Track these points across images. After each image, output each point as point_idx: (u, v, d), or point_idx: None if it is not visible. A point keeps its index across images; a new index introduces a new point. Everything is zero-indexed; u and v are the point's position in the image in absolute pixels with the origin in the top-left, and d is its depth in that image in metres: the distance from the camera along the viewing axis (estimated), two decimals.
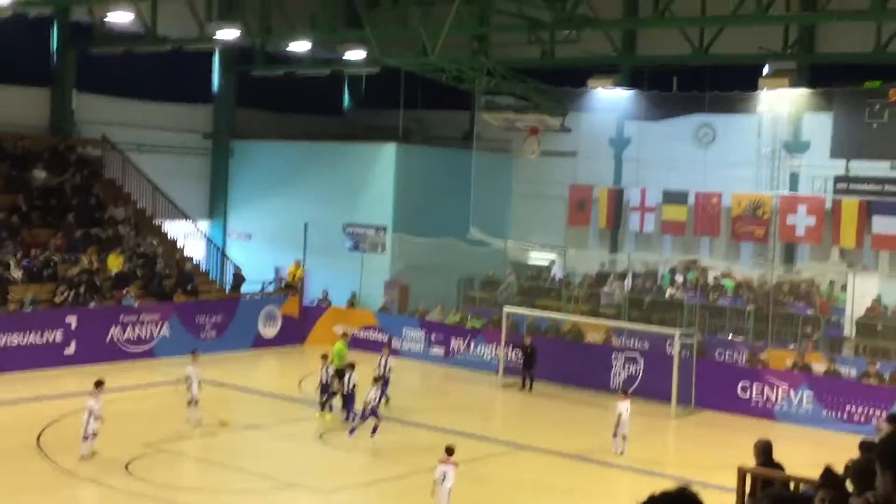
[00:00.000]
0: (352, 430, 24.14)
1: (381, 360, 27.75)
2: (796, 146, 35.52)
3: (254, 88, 42.79)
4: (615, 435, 23.86)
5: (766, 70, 34.74)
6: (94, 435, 20.97)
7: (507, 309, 33.07)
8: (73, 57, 37.76)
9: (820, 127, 34.85)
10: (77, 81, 37.95)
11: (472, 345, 33.80)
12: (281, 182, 40.53)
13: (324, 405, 26.10)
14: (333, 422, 25.63)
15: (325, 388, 26.16)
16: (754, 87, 34.84)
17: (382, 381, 26.94)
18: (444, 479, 17.72)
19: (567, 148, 39.26)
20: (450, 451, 18.31)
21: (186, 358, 31.06)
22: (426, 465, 22.06)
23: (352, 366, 25.95)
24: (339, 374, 26.26)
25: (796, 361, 29.66)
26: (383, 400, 26.98)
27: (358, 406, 25.05)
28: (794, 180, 35.61)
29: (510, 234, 39.98)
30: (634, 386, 29.92)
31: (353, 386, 25.60)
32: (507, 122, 36.66)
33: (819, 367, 29.60)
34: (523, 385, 31.01)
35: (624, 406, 23.98)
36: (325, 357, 26.49)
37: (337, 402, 26.17)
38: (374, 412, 23.81)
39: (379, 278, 37.97)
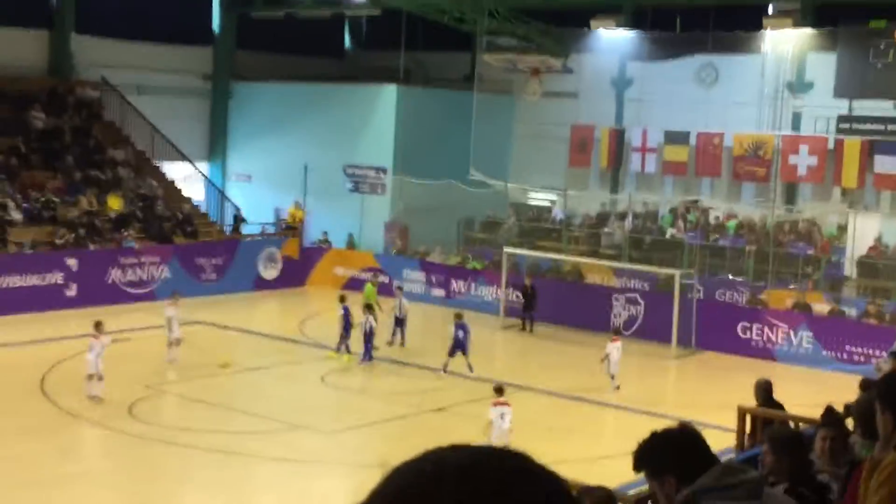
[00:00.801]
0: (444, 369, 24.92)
1: (397, 302, 27.92)
2: (799, 86, 35.28)
3: (254, 30, 42.44)
4: (611, 375, 24.08)
5: (770, 10, 34.43)
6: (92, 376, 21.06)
7: (507, 250, 33.07)
8: None
9: (824, 67, 34.57)
10: (76, 23, 37.62)
11: (473, 286, 33.85)
12: (281, 124, 40.32)
13: (341, 346, 26.26)
14: (351, 362, 25.85)
15: (400, 322, 27.42)
16: (758, 27, 34.52)
17: (399, 322, 27.52)
18: (501, 419, 18.00)
19: (569, 89, 38.98)
20: (500, 390, 18.65)
21: (188, 300, 31.18)
22: (427, 406, 22.22)
23: (370, 307, 26.38)
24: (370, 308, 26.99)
25: (797, 301, 29.68)
26: (397, 338, 27.39)
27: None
28: (796, 120, 35.40)
29: (511, 175, 39.82)
30: (635, 327, 30.07)
31: (371, 328, 25.89)
32: (508, 64, 36.41)
33: (819, 307, 29.64)
34: (524, 326, 31.09)
35: (614, 346, 24.17)
36: (342, 298, 26.80)
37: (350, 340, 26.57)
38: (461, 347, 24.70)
39: (379, 220, 37.93)
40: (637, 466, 4.45)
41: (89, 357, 20.97)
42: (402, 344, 27.54)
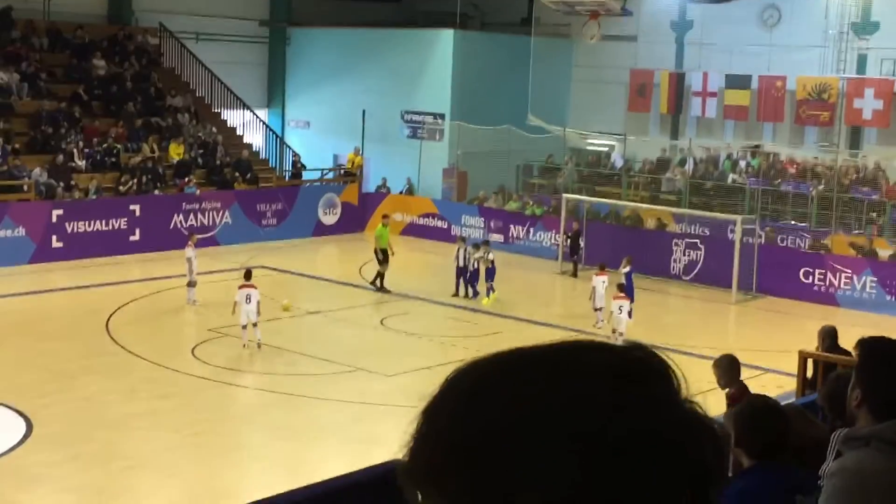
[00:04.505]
0: None
1: (458, 252, 27.75)
2: (865, 27, 34.54)
3: None
4: (595, 309, 24.34)
5: None
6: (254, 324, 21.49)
7: (565, 196, 32.91)
8: None
9: (890, 7, 33.82)
10: None
11: (532, 231, 33.76)
12: (338, 70, 40.30)
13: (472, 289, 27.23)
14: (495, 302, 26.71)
15: (463, 272, 27.37)
16: None
17: (462, 271, 27.66)
18: (620, 312, 22.11)
19: (627, 32, 38.48)
20: (621, 287, 22.94)
21: (249, 245, 31.52)
22: (487, 349, 22.24)
23: (477, 246, 27.71)
24: (384, 253, 27.71)
25: (861, 247, 29.30)
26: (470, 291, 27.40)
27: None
28: (861, 63, 34.73)
29: (569, 120, 39.57)
30: (695, 272, 29.90)
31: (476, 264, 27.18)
32: (566, 6, 35.95)
33: (884, 252, 29.24)
34: (575, 271, 30.85)
35: (599, 280, 24.52)
36: (463, 239, 28.30)
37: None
38: None
39: (437, 166, 37.88)
40: None
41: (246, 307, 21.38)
42: (480, 293, 27.30)
